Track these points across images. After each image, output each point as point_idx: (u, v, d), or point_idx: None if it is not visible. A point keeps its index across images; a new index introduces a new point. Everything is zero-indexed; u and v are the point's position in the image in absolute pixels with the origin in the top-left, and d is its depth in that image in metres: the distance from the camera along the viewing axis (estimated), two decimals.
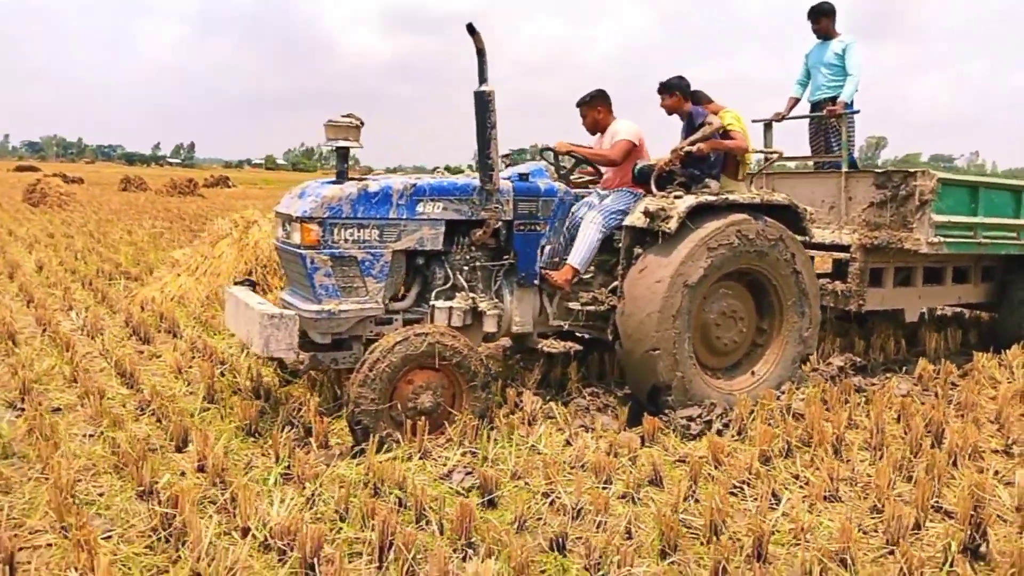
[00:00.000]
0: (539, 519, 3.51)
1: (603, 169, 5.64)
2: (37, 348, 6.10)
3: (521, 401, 4.85)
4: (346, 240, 4.43)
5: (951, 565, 3.17)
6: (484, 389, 4.36)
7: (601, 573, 3.00)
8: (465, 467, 4.04)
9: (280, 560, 3.03)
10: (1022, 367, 6.17)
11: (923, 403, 5.26)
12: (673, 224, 4.73)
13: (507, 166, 5.61)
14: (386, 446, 4.07)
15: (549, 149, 5.66)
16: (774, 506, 3.68)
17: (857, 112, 6.84)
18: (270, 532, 3.18)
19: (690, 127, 5.45)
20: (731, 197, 5.04)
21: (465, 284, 4.83)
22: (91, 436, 4.30)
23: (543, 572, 3.05)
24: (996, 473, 4.19)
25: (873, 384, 5.76)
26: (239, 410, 4.49)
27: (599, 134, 5.51)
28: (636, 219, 4.95)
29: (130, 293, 8.30)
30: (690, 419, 4.66)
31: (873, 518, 3.62)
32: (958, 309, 8.28)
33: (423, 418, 4.18)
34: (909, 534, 3.38)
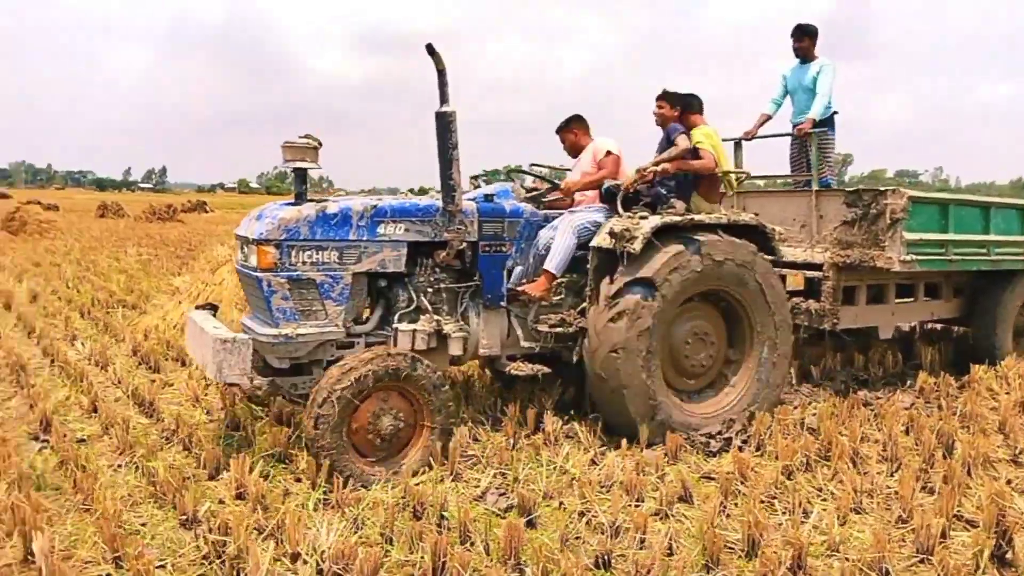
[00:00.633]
0: (577, 538, 3.59)
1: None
2: (49, 379, 6.08)
3: (543, 422, 4.93)
4: (304, 263, 4.38)
5: (983, 573, 3.29)
6: (444, 413, 4.29)
7: None
8: (498, 488, 4.12)
9: None
10: (1019, 378, 6.35)
11: (929, 415, 5.41)
12: (638, 245, 4.69)
13: (478, 187, 5.64)
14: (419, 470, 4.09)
15: (515, 169, 5.74)
16: (803, 519, 3.78)
17: (824, 131, 6.84)
18: (321, 557, 3.23)
19: (667, 143, 5.40)
20: (696, 217, 5.02)
21: (429, 306, 4.80)
22: (121, 467, 4.31)
23: None
24: (1009, 482, 4.33)
25: (878, 398, 5.91)
26: (269, 436, 4.52)
27: (577, 156, 5.63)
28: (602, 240, 4.91)
29: (131, 322, 8.27)
30: (710, 436, 4.76)
31: (899, 528, 3.74)
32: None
33: (383, 442, 4.14)
34: (938, 543, 3.50)
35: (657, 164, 5.16)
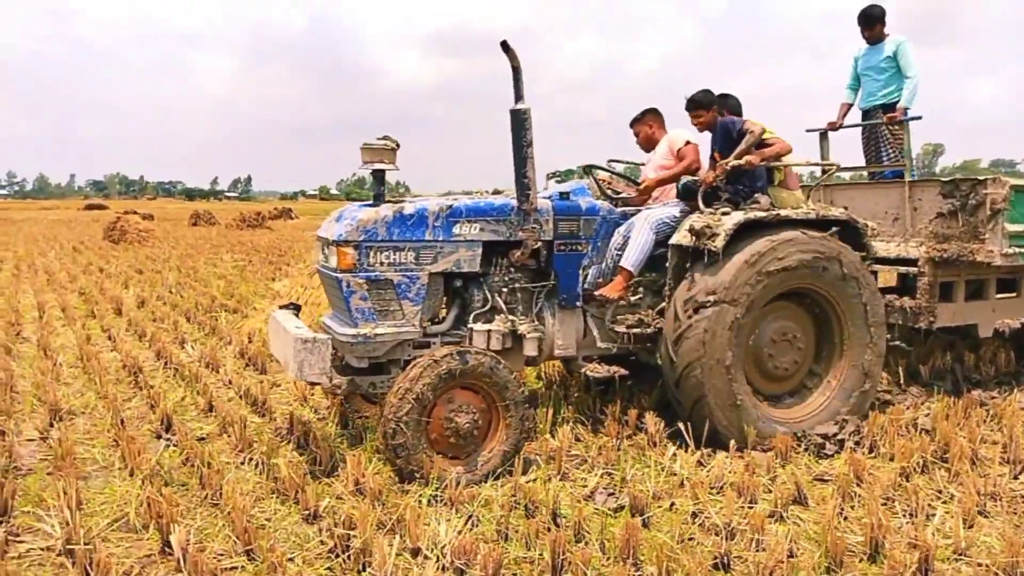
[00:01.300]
0: (691, 539, 3.58)
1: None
2: (164, 381, 6.38)
3: (643, 422, 4.91)
4: (382, 263, 4.41)
5: None
6: (522, 416, 4.26)
7: None
8: (606, 488, 4.13)
9: None
10: None
11: None
12: (720, 242, 4.58)
13: (558, 182, 5.58)
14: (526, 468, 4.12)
15: (591, 166, 5.65)
16: (926, 523, 3.67)
17: (919, 118, 6.53)
18: (441, 552, 3.31)
19: (725, 139, 5.12)
20: (783, 212, 4.88)
21: (504, 306, 4.78)
22: (242, 464, 4.49)
23: None
24: None
25: (993, 397, 5.69)
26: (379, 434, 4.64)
27: (652, 151, 5.55)
28: (682, 237, 4.80)
29: (235, 326, 8.59)
30: (825, 437, 4.66)
31: None
32: None
33: (460, 440, 4.15)
34: None
35: (739, 156, 4.88)
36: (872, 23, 6.83)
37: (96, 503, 3.96)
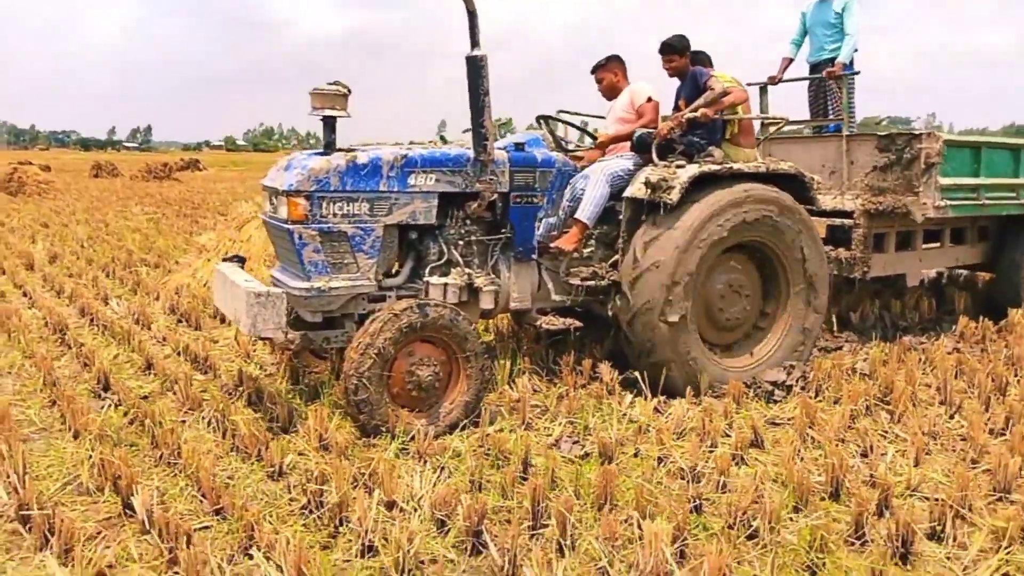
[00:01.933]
0: (659, 483, 3.64)
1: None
2: (93, 338, 6.07)
3: (598, 372, 4.96)
4: (335, 214, 4.27)
5: None
6: (482, 367, 4.25)
7: (750, 530, 3.14)
8: (570, 436, 4.17)
9: (440, 531, 3.13)
10: None
11: (979, 360, 5.47)
12: (675, 195, 4.60)
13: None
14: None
15: (545, 117, 5.58)
16: (877, 461, 3.84)
17: (857, 73, 6.77)
18: (418, 504, 3.28)
19: (693, 89, 5.14)
20: (735, 166, 4.93)
21: (460, 259, 4.70)
22: (186, 422, 4.32)
23: (693, 532, 3.17)
24: None
25: (923, 343, 5.98)
26: (336, 389, 4.55)
27: (613, 100, 5.51)
28: (637, 190, 4.79)
29: (160, 280, 8.24)
30: (774, 384, 4.81)
31: (971, 468, 3.80)
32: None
33: (422, 392, 4.13)
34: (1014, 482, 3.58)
35: (695, 109, 4.90)
36: None
37: (41, 466, 3.76)
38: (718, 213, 4.71)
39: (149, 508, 3.15)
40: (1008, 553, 2.98)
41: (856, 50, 6.93)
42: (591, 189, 4.94)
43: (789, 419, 4.47)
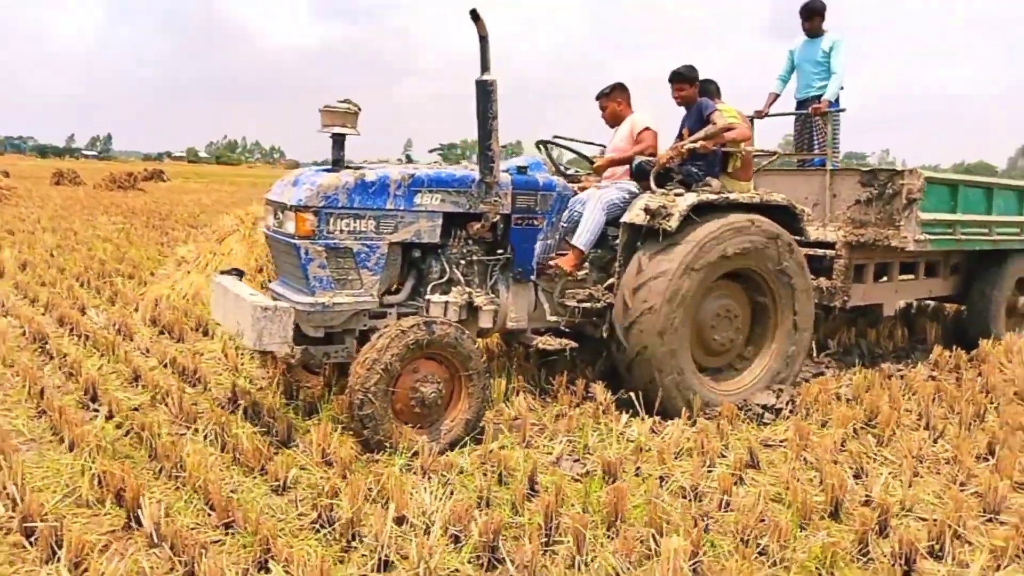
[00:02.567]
0: (660, 500, 3.69)
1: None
2: (76, 349, 5.96)
3: (591, 392, 5.02)
4: (342, 231, 4.31)
5: None
6: (483, 386, 4.29)
7: (759, 548, 3.20)
8: (570, 455, 4.21)
9: (455, 546, 3.14)
10: (1020, 352, 6.63)
11: (957, 387, 5.64)
12: (674, 222, 4.71)
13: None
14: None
15: (545, 142, 5.70)
16: (872, 483, 3.94)
17: (843, 110, 7.05)
18: (430, 520, 3.29)
19: (697, 120, 5.30)
20: (732, 196, 5.07)
21: (461, 278, 4.77)
22: (193, 435, 4.27)
23: (705, 550, 3.21)
24: None
25: (900, 370, 6.14)
26: (335, 404, 4.53)
27: (616, 127, 5.64)
28: (635, 216, 4.89)
29: (137, 291, 8.11)
30: (764, 407, 4.91)
31: (961, 490, 3.92)
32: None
33: (425, 409, 4.14)
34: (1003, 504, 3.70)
35: (695, 141, 5.08)
36: (812, 16, 7.21)
37: (36, 478, 3.68)
38: (712, 241, 4.83)
39: (156, 521, 3.11)
40: (1007, 572, 3.09)
41: (842, 88, 7.16)
42: (588, 216, 5.05)
43: (782, 441, 4.56)
